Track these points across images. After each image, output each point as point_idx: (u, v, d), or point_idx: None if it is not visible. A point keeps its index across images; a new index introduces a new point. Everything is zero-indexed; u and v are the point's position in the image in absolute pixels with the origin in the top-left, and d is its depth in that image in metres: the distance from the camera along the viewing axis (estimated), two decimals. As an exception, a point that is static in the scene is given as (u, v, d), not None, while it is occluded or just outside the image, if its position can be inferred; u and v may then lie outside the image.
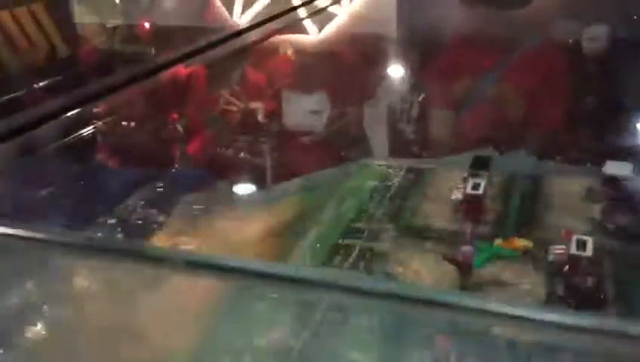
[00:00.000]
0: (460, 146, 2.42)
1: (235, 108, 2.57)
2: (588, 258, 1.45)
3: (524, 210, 1.88)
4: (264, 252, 1.77)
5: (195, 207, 2.13)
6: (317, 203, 2.02)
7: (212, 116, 2.61)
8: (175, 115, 2.68)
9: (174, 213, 2.06)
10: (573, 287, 1.44)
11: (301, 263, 1.71)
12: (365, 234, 1.82)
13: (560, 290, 1.46)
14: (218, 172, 2.32)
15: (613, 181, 1.84)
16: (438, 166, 2.23)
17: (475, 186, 1.79)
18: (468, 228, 1.60)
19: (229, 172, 2.33)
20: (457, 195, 1.84)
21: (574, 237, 1.49)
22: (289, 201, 2.03)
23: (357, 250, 1.75)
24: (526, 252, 1.65)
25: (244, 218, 1.96)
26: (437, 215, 1.89)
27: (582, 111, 2.35)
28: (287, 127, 2.64)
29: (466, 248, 1.52)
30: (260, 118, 2.56)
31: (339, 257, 1.72)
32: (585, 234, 1.55)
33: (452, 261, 1.55)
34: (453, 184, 1.95)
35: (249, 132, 2.55)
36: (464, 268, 1.52)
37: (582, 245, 1.48)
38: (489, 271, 1.57)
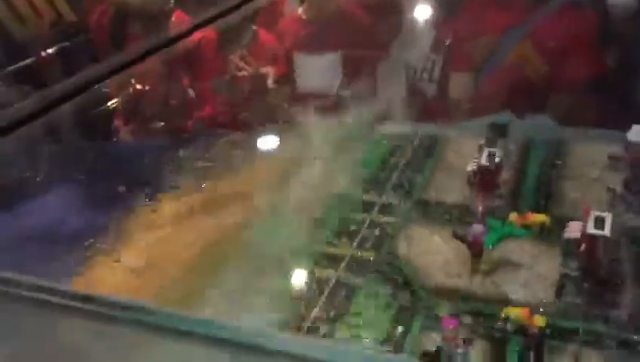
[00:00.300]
0: (479, 109, 2.33)
1: (244, 73, 2.50)
2: (605, 237, 1.37)
3: (542, 182, 1.80)
4: (268, 224, 1.73)
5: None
6: (325, 172, 1.96)
7: (222, 81, 2.54)
8: (186, 81, 2.62)
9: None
10: (587, 270, 1.37)
11: (307, 239, 1.66)
12: (375, 207, 1.76)
13: (574, 272, 1.39)
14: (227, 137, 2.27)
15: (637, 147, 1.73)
16: (454, 131, 2.14)
17: (490, 156, 1.71)
18: (480, 203, 1.52)
19: (237, 138, 2.27)
20: (472, 166, 1.76)
21: (592, 214, 1.41)
22: (294, 170, 1.98)
23: (366, 224, 1.70)
24: (542, 228, 1.58)
25: (245, 186, 1.93)
26: (450, 187, 1.82)
27: (607, 74, 2.23)
28: (298, 90, 2.56)
29: (477, 227, 1.46)
30: (270, 82, 2.48)
31: (347, 233, 1.67)
32: (606, 209, 1.46)
33: (462, 239, 1.49)
34: (469, 152, 1.87)
35: (259, 97, 2.48)
36: (474, 249, 1.46)
37: (600, 222, 1.40)
38: (503, 249, 1.50)
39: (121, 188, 2.07)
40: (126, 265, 1.72)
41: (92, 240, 1.79)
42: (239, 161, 2.21)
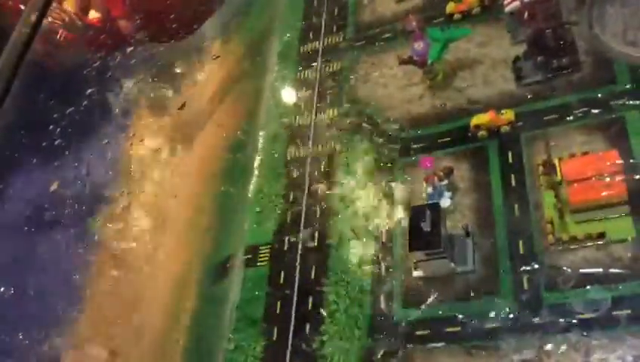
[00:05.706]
0: None
1: None
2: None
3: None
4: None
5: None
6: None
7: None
8: None
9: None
10: (536, 40, 1.32)
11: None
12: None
13: (527, 46, 1.35)
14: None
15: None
16: None
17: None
18: (414, 17, 1.44)
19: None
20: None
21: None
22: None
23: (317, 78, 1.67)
24: (484, 7, 1.51)
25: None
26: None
27: None
28: None
29: (418, 44, 1.40)
30: None
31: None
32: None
33: (408, 62, 1.44)
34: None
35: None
36: (423, 66, 1.42)
37: (532, -16, 1.32)
38: (454, 52, 1.44)
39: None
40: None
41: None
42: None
